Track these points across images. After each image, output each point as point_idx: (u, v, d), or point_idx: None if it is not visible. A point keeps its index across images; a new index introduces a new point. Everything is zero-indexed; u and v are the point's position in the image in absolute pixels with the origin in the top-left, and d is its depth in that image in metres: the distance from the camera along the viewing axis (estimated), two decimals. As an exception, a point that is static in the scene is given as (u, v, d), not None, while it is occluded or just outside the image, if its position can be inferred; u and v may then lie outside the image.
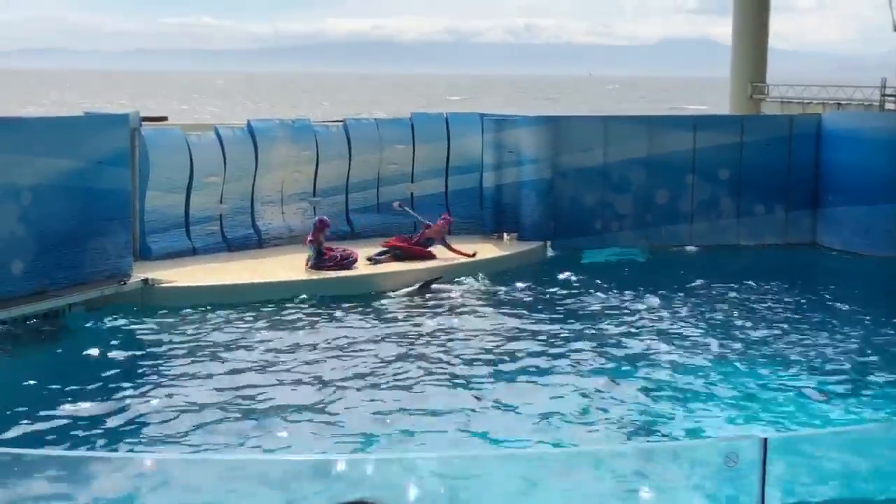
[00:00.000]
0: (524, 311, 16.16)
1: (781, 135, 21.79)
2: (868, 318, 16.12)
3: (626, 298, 17.01)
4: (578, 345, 14.29)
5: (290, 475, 6.65)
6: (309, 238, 17.71)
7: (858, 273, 20.05)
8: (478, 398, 12.03)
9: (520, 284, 17.84)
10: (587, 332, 15.01)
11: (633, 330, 15.15)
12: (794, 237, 21.82)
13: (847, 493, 8.28)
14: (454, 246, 18.76)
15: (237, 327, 14.89)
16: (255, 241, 19.30)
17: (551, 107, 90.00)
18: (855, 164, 20.82)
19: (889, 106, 22.48)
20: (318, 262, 17.47)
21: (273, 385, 12.42)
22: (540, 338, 14.65)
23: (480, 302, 16.83)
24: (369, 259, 18.13)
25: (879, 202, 20.47)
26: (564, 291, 17.54)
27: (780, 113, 27.17)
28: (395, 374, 12.88)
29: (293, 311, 15.75)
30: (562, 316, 15.96)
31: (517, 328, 15.18)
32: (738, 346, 14.43)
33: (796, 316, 16.21)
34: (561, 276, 18.50)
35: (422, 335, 14.76)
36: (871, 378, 13.12)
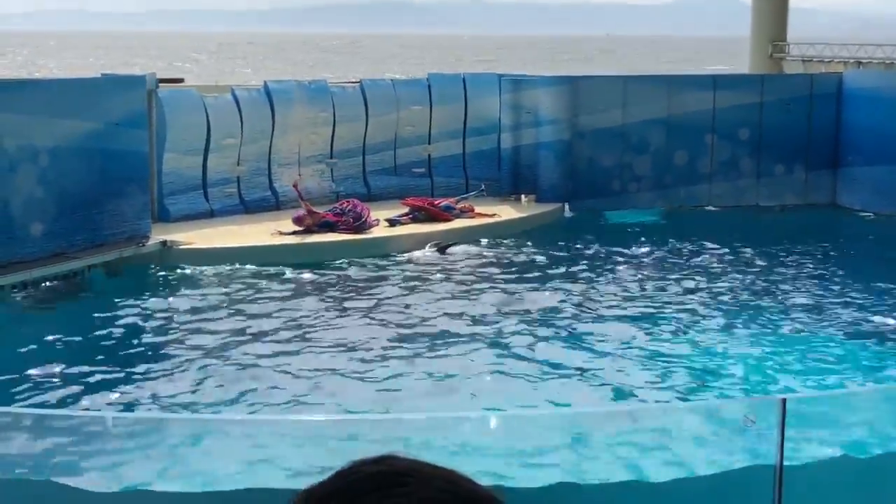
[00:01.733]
0: (544, 273, 16.16)
1: (802, 94, 21.59)
2: (890, 279, 16.04)
3: (645, 259, 16.98)
4: (599, 305, 14.30)
5: (311, 436, 6.69)
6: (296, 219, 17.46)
7: (879, 233, 19.92)
8: (511, 358, 12.06)
9: (538, 246, 17.82)
10: (608, 292, 15.00)
11: (653, 290, 15.15)
12: (814, 197, 21.67)
13: (863, 453, 8.28)
14: (477, 210, 18.89)
15: (256, 289, 14.94)
16: (272, 203, 19.29)
17: (585, 67, 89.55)
18: (875, 124, 20.62)
19: (911, 64, 22.24)
20: (332, 229, 17.42)
21: (294, 349, 12.47)
22: (562, 299, 14.64)
23: (498, 264, 16.82)
24: (388, 221, 18.12)
25: (900, 162, 20.30)
26: (584, 252, 17.52)
27: (801, 72, 26.90)
28: (419, 336, 12.91)
29: (309, 274, 15.77)
30: (583, 277, 15.95)
31: (536, 289, 15.18)
32: (759, 306, 14.40)
33: (817, 278, 16.16)
34: (580, 238, 18.46)
35: (442, 298, 14.77)
36: (894, 339, 13.08)
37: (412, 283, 15.50)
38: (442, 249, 17.36)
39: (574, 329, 13.29)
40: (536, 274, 16.13)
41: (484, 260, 17.06)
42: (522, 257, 17.19)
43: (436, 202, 18.87)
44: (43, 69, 79.80)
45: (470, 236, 18.13)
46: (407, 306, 14.33)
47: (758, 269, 16.54)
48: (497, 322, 13.54)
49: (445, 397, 10.95)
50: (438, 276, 15.98)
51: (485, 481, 1.81)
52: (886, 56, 27.49)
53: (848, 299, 14.87)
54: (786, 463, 7.55)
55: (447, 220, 18.46)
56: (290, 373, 11.54)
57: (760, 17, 31.14)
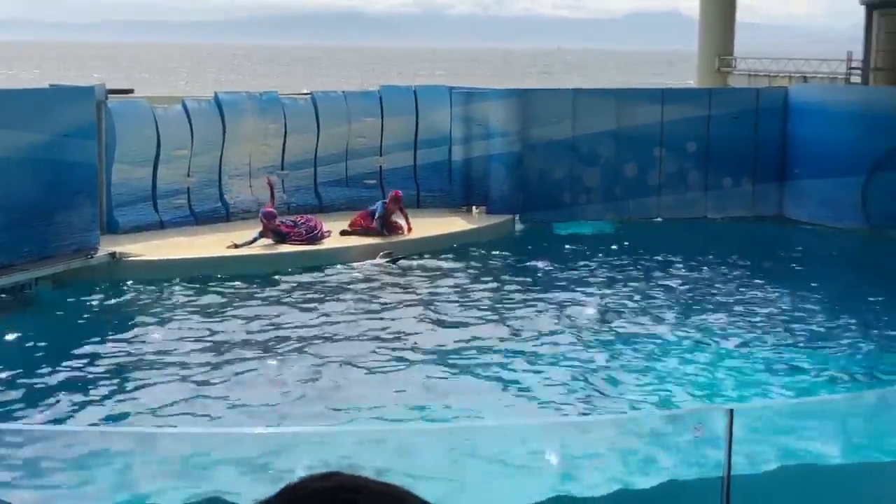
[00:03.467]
0: (493, 284, 16.21)
1: (748, 108, 21.88)
2: (834, 289, 16.29)
3: (594, 271, 17.10)
4: (547, 317, 14.37)
5: (260, 449, 6.67)
6: (261, 229, 17.40)
7: (824, 245, 20.21)
8: (448, 371, 12.08)
9: (488, 257, 17.89)
10: (555, 303, 15.08)
11: (600, 302, 15.24)
12: (761, 210, 21.96)
13: (812, 461, 8.40)
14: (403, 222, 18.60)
15: (205, 301, 14.84)
16: (222, 215, 19.19)
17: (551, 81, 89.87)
18: (820, 137, 20.94)
19: (854, 79, 22.61)
20: (283, 240, 17.37)
21: (243, 358, 12.41)
22: (509, 309, 14.70)
23: (447, 275, 16.83)
24: (343, 232, 18.18)
25: (844, 175, 20.62)
26: (533, 264, 17.60)
27: (747, 86, 27.27)
28: (364, 348, 12.90)
29: (258, 285, 15.70)
30: (531, 288, 16.02)
31: (486, 300, 15.22)
32: (705, 318, 14.54)
33: (762, 288, 16.34)
34: (529, 249, 18.56)
35: (394, 307, 14.78)
36: (838, 349, 13.26)
37: (362, 295, 15.48)
38: (393, 260, 17.37)
39: (522, 339, 13.34)
40: (485, 285, 16.17)
41: (433, 271, 17.07)
42: (472, 268, 17.23)
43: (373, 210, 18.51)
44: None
45: (422, 247, 18.15)
46: (356, 317, 14.31)
47: (705, 281, 16.71)
48: (444, 333, 13.56)
49: (393, 408, 10.95)
50: (388, 287, 15.98)
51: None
52: (831, 70, 27.95)
53: (794, 310, 15.06)
54: (733, 472, 7.65)
55: (393, 231, 18.28)
56: (242, 383, 11.48)
57: (707, 32, 31.58)
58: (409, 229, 18.46)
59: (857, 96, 21.46)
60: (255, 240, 17.09)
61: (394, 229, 18.37)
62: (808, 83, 25.29)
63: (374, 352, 12.77)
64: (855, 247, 20.09)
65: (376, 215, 18.27)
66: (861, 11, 21.92)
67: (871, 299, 15.71)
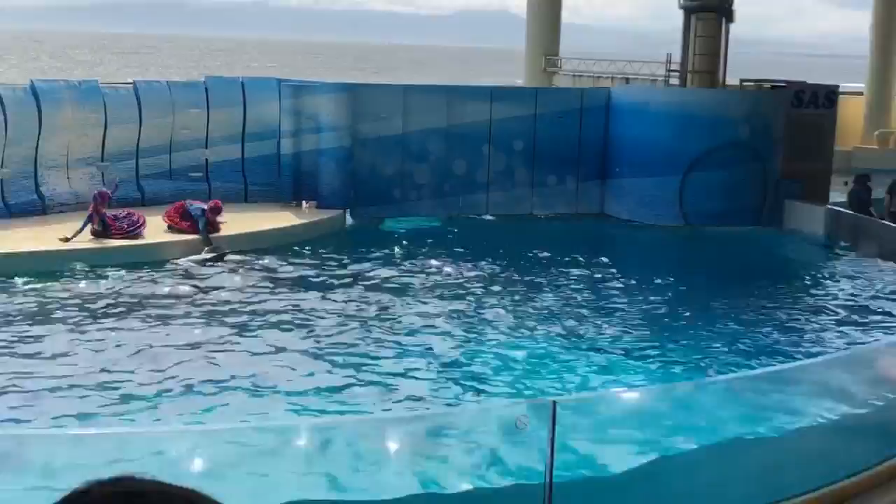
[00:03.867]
0: (320, 279, 16.08)
1: (573, 107, 22.41)
2: (652, 284, 16.82)
3: (422, 267, 17.17)
4: (375, 313, 14.35)
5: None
6: (89, 212, 16.87)
7: (642, 242, 20.90)
8: (274, 364, 11.91)
9: (318, 252, 17.75)
10: (385, 300, 15.07)
11: (426, 298, 15.32)
12: (584, 207, 22.51)
13: (631, 452, 8.65)
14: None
15: (22, 296, 14.22)
16: (38, 208, 18.44)
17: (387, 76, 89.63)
18: (640, 137, 21.63)
19: (673, 81, 23.38)
20: (105, 232, 16.83)
21: (56, 357, 11.94)
22: (336, 305, 14.61)
23: (274, 270, 16.60)
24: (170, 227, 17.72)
25: (663, 174, 21.36)
26: (362, 259, 17.55)
27: (572, 86, 27.89)
28: (192, 346, 12.60)
29: (78, 280, 15.15)
30: (358, 284, 15.95)
31: (313, 295, 15.08)
32: (528, 312, 14.79)
33: (582, 283, 16.73)
34: (359, 245, 18.52)
35: (216, 304, 14.47)
36: (655, 342, 13.70)
37: (183, 290, 15.11)
38: (219, 256, 17.02)
39: (350, 334, 13.29)
40: (313, 280, 16.03)
41: (259, 266, 16.81)
42: (300, 264, 17.06)
43: (191, 204, 17.90)
44: None
45: (250, 243, 17.85)
46: (175, 312, 13.97)
47: (529, 276, 17.01)
48: (270, 328, 13.39)
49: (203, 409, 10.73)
50: (211, 283, 15.64)
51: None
52: (651, 72, 28.84)
53: (613, 304, 15.50)
54: (555, 464, 7.79)
55: (209, 229, 17.65)
56: (62, 377, 11.04)
57: (534, 32, 32.12)
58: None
59: (674, 97, 22.21)
60: (83, 227, 16.48)
61: (215, 229, 17.84)
62: (629, 84, 26.02)
63: (190, 349, 12.47)
64: (671, 243, 20.80)
65: (200, 226, 17.60)
66: (681, 15, 22.67)
67: (691, 293, 16.30)
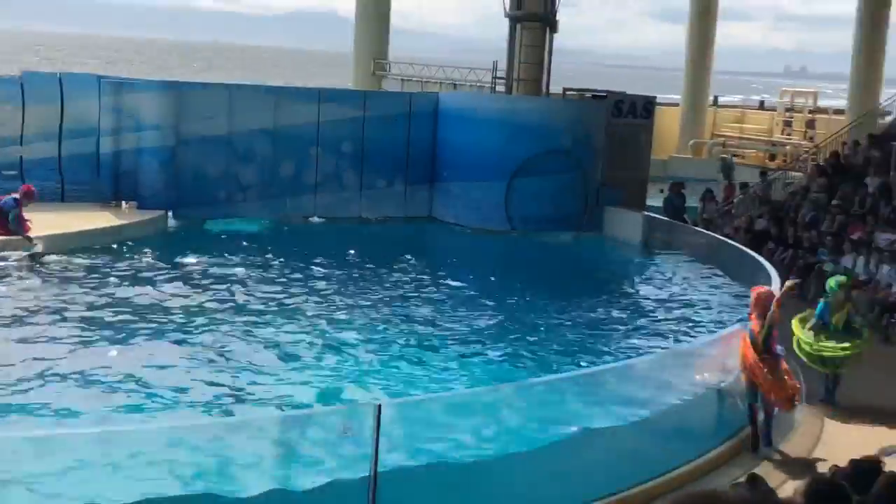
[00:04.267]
0: (138, 280, 15.64)
1: (402, 111, 22.53)
2: (476, 288, 17.06)
3: (246, 268, 16.92)
4: (193, 315, 14.05)
5: None
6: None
7: (468, 245, 21.16)
8: (77, 369, 11.52)
9: (136, 254, 17.27)
10: (203, 302, 14.76)
11: (254, 300, 15.10)
12: (412, 210, 22.66)
13: (453, 452, 8.75)
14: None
15: None
16: None
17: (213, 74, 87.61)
18: (467, 142, 21.93)
19: (499, 88, 23.79)
20: None
21: None
22: (151, 307, 14.22)
23: (92, 271, 16.07)
24: None
25: (490, 179, 21.70)
26: (182, 261, 17.16)
27: (400, 90, 28.04)
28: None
29: None
30: (177, 286, 15.57)
31: (128, 297, 14.64)
32: (354, 315, 14.77)
33: (408, 286, 16.83)
34: (179, 246, 18.11)
35: (30, 304, 13.91)
36: (479, 344, 13.89)
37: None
38: (35, 257, 16.36)
39: (170, 338, 12.97)
40: (129, 282, 15.55)
41: (74, 267, 16.23)
42: (118, 265, 16.54)
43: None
44: None
45: (67, 243, 17.22)
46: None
47: (355, 278, 17.00)
48: (81, 334, 12.94)
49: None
50: (26, 284, 15.03)
51: None
52: (478, 79, 29.26)
53: (438, 307, 15.63)
54: (380, 467, 7.83)
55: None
56: None
57: (363, 35, 32.13)
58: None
59: (500, 104, 22.58)
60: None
61: (26, 228, 17.08)
62: (457, 90, 26.33)
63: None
64: (496, 247, 21.15)
65: (10, 216, 16.89)
66: (507, 24, 23.09)
67: (515, 297, 16.60)
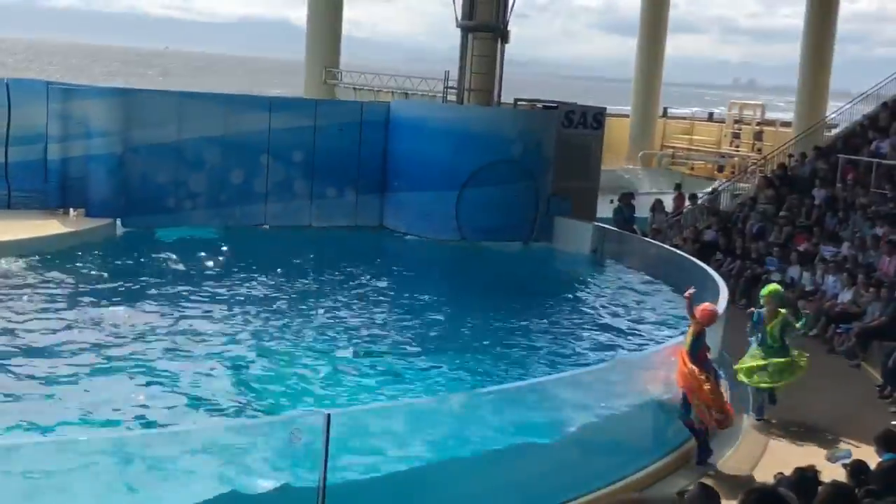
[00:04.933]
0: (84, 290, 15.46)
1: (353, 120, 22.47)
2: (426, 297, 17.07)
3: (192, 277, 16.80)
4: (140, 325, 13.91)
5: None
6: None
7: (418, 255, 21.16)
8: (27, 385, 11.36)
9: (82, 262, 17.08)
10: (149, 310, 14.63)
11: (195, 309, 14.98)
12: (363, 220, 22.62)
13: (402, 460, 8.75)
14: None
15: None
16: None
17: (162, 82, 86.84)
18: (418, 152, 21.94)
19: (451, 98, 23.85)
20: None
21: None
22: (96, 318, 14.05)
23: (37, 281, 15.86)
24: None
25: (440, 188, 21.72)
26: (129, 269, 17.01)
27: (353, 99, 28.03)
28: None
29: None
30: (123, 295, 15.42)
31: (73, 308, 14.47)
32: (301, 324, 14.71)
33: (357, 295, 16.77)
34: (127, 254, 17.96)
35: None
36: (428, 353, 13.89)
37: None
38: None
39: (109, 349, 12.81)
40: (74, 291, 15.36)
41: (17, 275, 16.00)
42: (64, 273, 16.34)
43: None
44: None
45: (9, 251, 16.98)
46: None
47: (303, 287, 16.94)
48: (21, 342, 12.78)
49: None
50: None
51: None
52: (430, 88, 29.34)
53: (387, 316, 15.63)
54: (329, 476, 7.80)
55: None
56: None
57: (314, 43, 32.13)
58: None
59: (451, 114, 22.60)
60: None
61: None
62: (408, 99, 26.36)
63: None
64: (446, 255, 21.18)
65: None
66: (458, 34, 23.16)
67: (464, 306, 16.64)
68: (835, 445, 11.28)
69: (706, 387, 10.70)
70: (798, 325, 12.77)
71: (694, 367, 10.76)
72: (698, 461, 10.95)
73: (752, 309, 13.18)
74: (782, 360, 12.47)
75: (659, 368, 11.31)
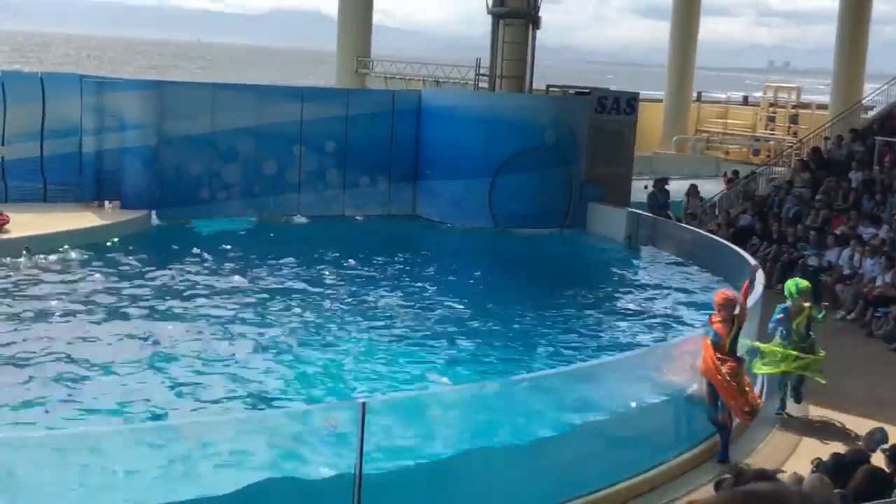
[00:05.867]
0: (121, 282, 15.58)
1: (385, 109, 22.47)
2: (462, 285, 17.06)
3: (229, 268, 16.88)
4: (177, 315, 14.02)
5: None
6: None
7: (453, 243, 21.15)
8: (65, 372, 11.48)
9: (119, 253, 17.21)
10: (185, 303, 14.71)
11: (233, 300, 15.06)
12: (396, 208, 22.63)
13: (437, 449, 8.76)
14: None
15: None
16: None
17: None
18: (451, 140, 21.91)
19: (482, 85, 23.79)
20: None
21: None
22: (137, 308, 14.17)
23: (76, 272, 16.00)
24: None
25: (473, 176, 21.69)
26: (166, 260, 17.11)
27: (384, 88, 28.02)
28: None
29: None
30: (159, 286, 15.52)
31: (113, 298, 14.59)
32: (342, 313, 14.75)
33: (393, 284, 16.80)
34: (163, 245, 18.06)
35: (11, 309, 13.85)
36: (465, 341, 13.89)
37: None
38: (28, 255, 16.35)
39: (152, 340, 12.91)
40: (112, 282, 15.48)
41: (56, 268, 16.14)
42: (101, 265, 16.47)
43: None
44: None
45: (47, 244, 17.13)
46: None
47: (342, 277, 16.97)
48: (62, 331, 12.90)
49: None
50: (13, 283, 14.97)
51: None
52: (461, 76, 29.29)
53: (424, 305, 15.62)
54: (365, 463, 7.83)
55: None
56: None
57: (346, 33, 32.13)
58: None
59: (483, 102, 22.55)
60: None
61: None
62: (439, 87, 26.33)
63: None
64: (479, 243, 21.15)
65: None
66: (489, 21, 23.08)
67: (500, 293, 16.62)
68: (873, 430, 11.15)
69: (729, 380, 10.41)
70: (819, 317, 12.22)
71: (717, 361, 10.47)
72: (719, 459, 10.64)
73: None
74: (809, 357, 11.92)
75: (690, 357, 11.15)
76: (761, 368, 12.09)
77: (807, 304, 12.08)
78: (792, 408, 12.25)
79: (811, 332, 12.07)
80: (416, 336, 13.94)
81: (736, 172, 25.25)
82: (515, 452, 8.95)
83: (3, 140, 19.82)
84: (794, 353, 11.92)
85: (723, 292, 11.07)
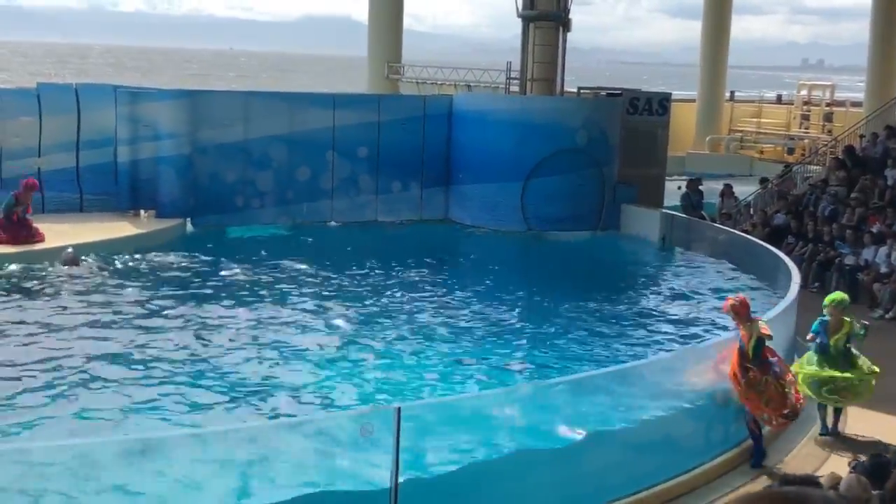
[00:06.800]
0: (160, 289, 15.71)
1: (416, 114, 22.52)
2: (497, 289, 17.03)
3: (264, 276, 16.97)
4: (219, 321, 14.11)
5: None
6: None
7: (486, 247, 21.12)
8: (103, 377, 11.59)
9: (157, 262, 17.35)
10: (224, 310, 14.81)
11: (274, 306, 15.15)
12: (428, 213, 22.67)
13: (474, 453, 8.76)
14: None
15: None
16: None
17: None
18: (482, 144, 21.91)
19: (514, 89, 23.78)
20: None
21: None
22: (173, 316, 14.28)
23: (114, 280, 16.15)
24: None
25: (505, 180, 21.68)
26: (202, 268, 17.23)
27: (415, 93, 28.07)
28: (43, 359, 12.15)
29: None
30: (199, 294, 15.64)
31: (150, 307, 14.71)
32: (376, 318, 14.78)
33: (427, 289, 16.83)
34: (200, 254, 18.18)
35: (43, 317, 13.99)
36: (500, 346, 13.88)
37: (43, 297, 14.67)
38: (69, 263, 16.53)
39: (190, 347, 13.02)
40: (157, 289, 15.63)
41: (94, 277, 16.31)
42: (138, 274, 16.62)
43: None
44: None
45: (84, 253, 17.29)
46: (36, 321, 13.46)
47: (377, 282, 17.01)
48: (106, 338, 13.02)
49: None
50: (36, 295, 15.12)
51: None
52: (492, 80, 29.29)
53: (459, 309, 15.62)
54: (402, 466, 7.84)
55: (30, 237, 17.36)
56: None
57: (376, 39, 32.20)
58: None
59: (514, 105, 22.53)
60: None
61: (29, 231, 17.36)
62: (471, 91, 26.34)
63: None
64: (512, 247, 21.12)
65: (2, 205, 17.28)
66: (520, 24, 23.06)
67: (535, 297, 16.58)
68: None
69: (744, 386, 10.26)
70: (861, 334, 11.53)
71: (738, 367, 10.35)
72: (752, 464, 10.52)
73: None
74: (852, 376, 11.37)
75: (723, 361, 11.03)
76: (801, 387, 11.27)
77: (847, 319, 11.49)
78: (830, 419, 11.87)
79: (850, 347, 11.49)
80: (450, 340, 13.93)
81: (765, 180, 25.04)
82: (553, 456, 8.93)
83: (39, 151, 20.05)
84: (831, 375, 11.34)
85: (729, 300, 10.85)
